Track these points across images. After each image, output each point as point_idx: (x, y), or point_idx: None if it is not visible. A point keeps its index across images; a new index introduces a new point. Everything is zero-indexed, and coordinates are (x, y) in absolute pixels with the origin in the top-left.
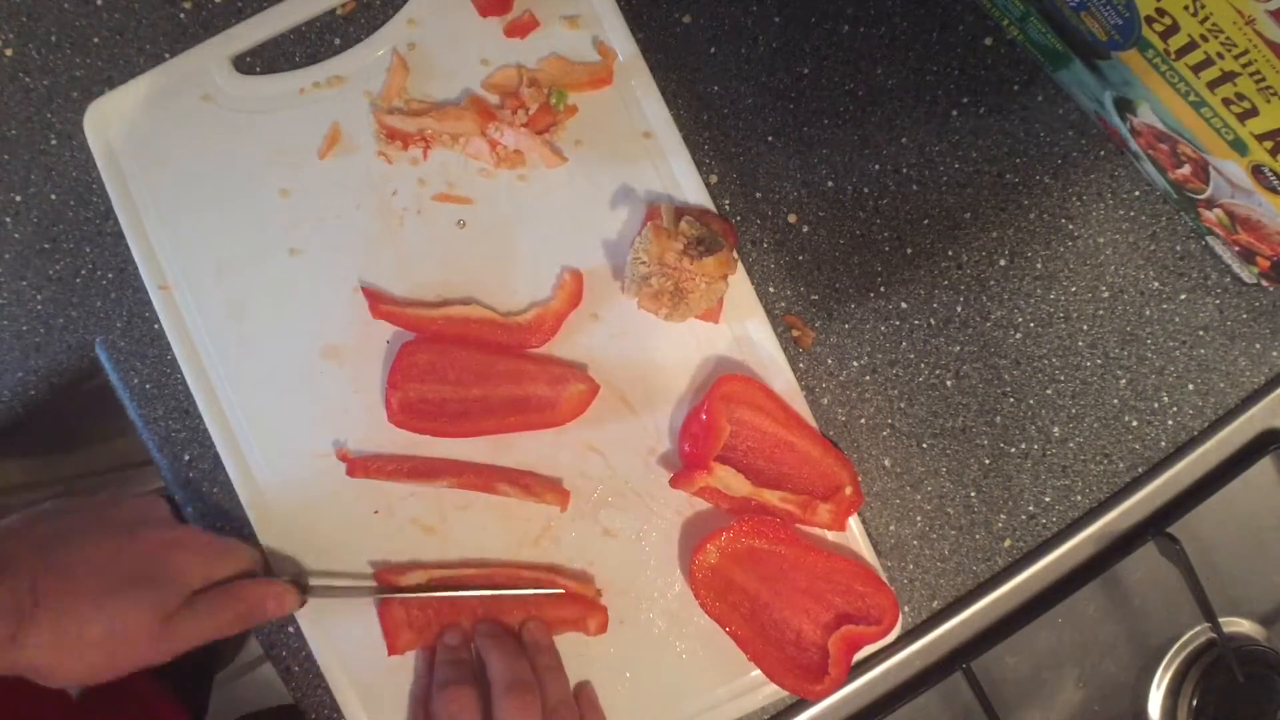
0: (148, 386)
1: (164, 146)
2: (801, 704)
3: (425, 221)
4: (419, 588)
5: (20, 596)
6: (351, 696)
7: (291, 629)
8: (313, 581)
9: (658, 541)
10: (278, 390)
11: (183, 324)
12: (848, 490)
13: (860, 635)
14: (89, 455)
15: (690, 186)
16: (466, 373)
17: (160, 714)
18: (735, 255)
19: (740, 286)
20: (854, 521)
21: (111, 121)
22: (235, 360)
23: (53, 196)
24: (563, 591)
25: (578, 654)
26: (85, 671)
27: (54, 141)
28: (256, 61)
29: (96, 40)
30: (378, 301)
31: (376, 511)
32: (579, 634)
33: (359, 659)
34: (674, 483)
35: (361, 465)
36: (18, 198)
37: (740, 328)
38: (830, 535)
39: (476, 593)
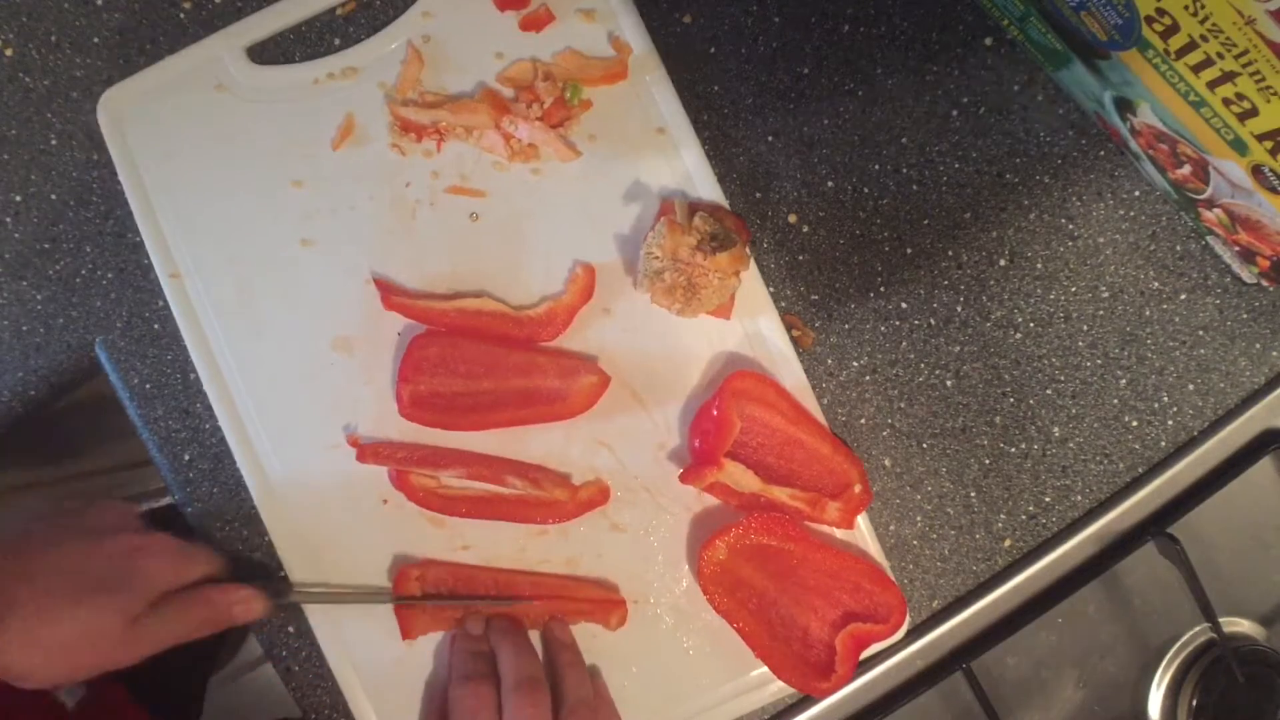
0: (148, 386)
1: (177, 135)
2: (803, 703)
3: (438, 214)
4: (425, 596)
5: None
6: (357, 689)
7: (291, 629)
8: (297, 587)
9: (666, 537)
10: (288, 381)
11: (193, 313)
12: (857, 488)
13: (868, 633)
14: (89, 455)
15: (704, 182)
16: (477, 365)
17: None
18: (748, 251)
19: (752, 283)
20: (862, 520)
21: (123, 109)
22: (245, 350)
23: (53, 196)
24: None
25: (584, 648)
26: (55, 673)
27: (54, 141)
28: (271, 52)
29: (96, 40)
30: (390, 293)
31: (385, 502)
32: (586, 627)
33: (367, 649)
34: (684, 478)
35: (371, 451)
36: (18, 198)
37: (752, 324)
38: (838, 533)
39: (469, 601)
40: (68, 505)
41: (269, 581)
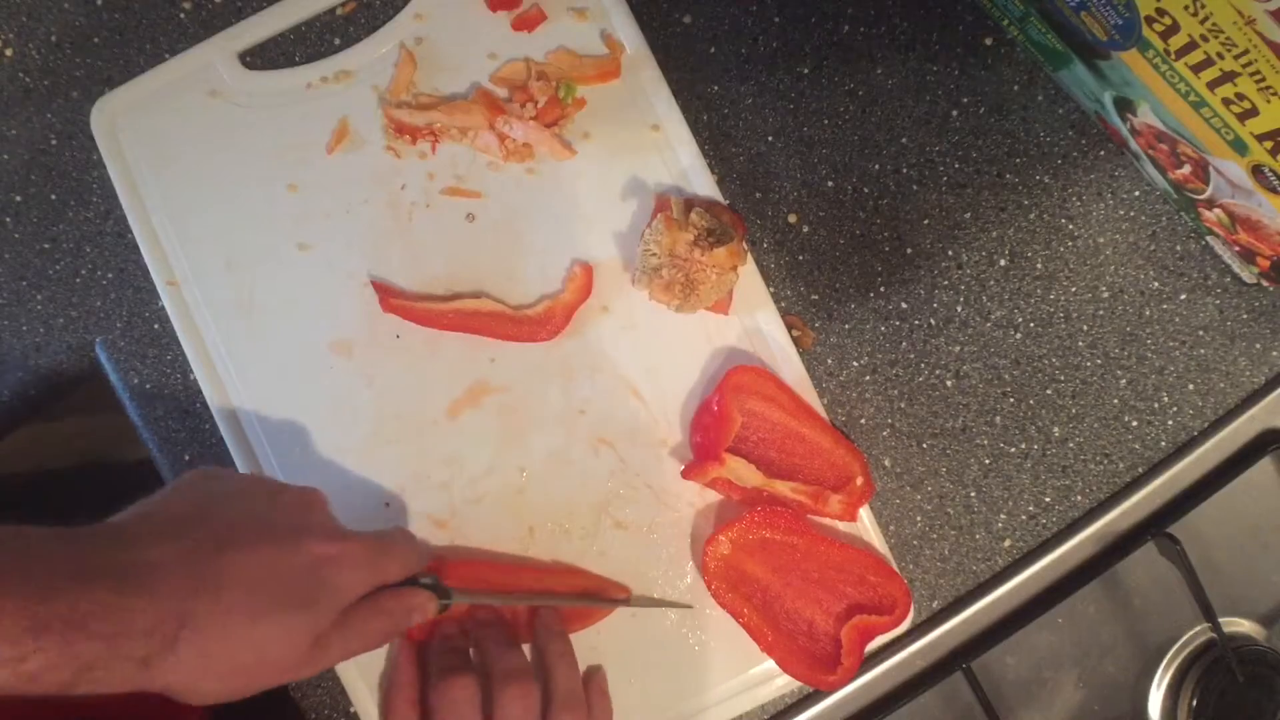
0: (148, 386)
1: (171, 142)
2: (804, 701)
3: (434, 215)
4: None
5: (164, 618)
6: (359, 688)
7: None
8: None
9: (669, 533)
10: (286, 385)
11: (191, 320)
12: (859, 481)
13: (873, 625)
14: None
15: (699, 178)
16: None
17: None
18: (745, 246)
19: (750, 278)
20: (865, 512)
21: (118, 117)
22: (244, 355)
23: (53, 196)
24: (626, 598)
25: (589, 645)
26: (225, 692)
27: (54, 141)
28: (264, 57)
29: (96, 40)
30: (388, 295)
31: (387, 505)
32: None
33: None
34: (686, 474)
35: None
36: (18, 198)
37: (750, 319)
38: (841, 526)
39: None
40: (252, 483)
41: (425, 580)
